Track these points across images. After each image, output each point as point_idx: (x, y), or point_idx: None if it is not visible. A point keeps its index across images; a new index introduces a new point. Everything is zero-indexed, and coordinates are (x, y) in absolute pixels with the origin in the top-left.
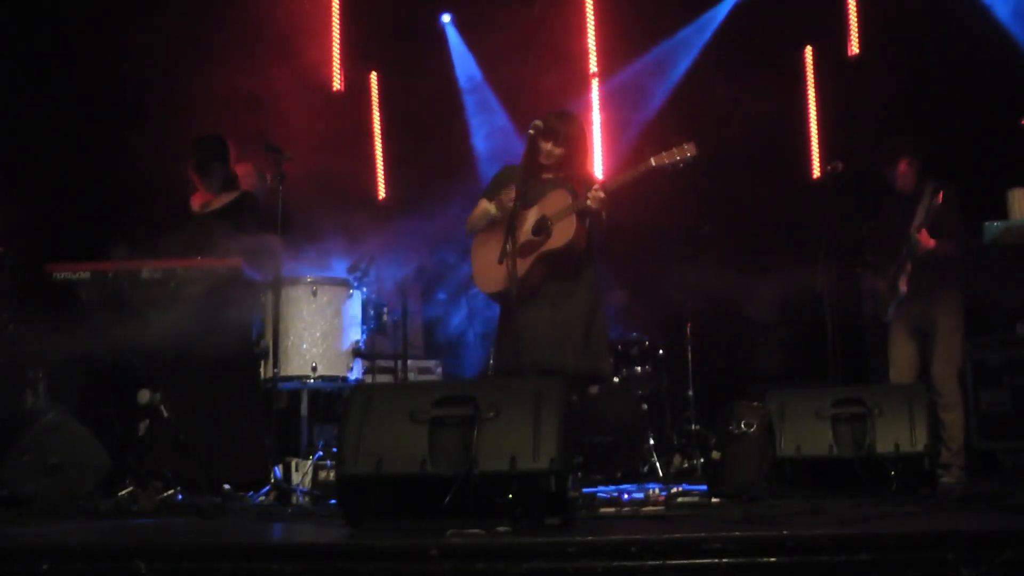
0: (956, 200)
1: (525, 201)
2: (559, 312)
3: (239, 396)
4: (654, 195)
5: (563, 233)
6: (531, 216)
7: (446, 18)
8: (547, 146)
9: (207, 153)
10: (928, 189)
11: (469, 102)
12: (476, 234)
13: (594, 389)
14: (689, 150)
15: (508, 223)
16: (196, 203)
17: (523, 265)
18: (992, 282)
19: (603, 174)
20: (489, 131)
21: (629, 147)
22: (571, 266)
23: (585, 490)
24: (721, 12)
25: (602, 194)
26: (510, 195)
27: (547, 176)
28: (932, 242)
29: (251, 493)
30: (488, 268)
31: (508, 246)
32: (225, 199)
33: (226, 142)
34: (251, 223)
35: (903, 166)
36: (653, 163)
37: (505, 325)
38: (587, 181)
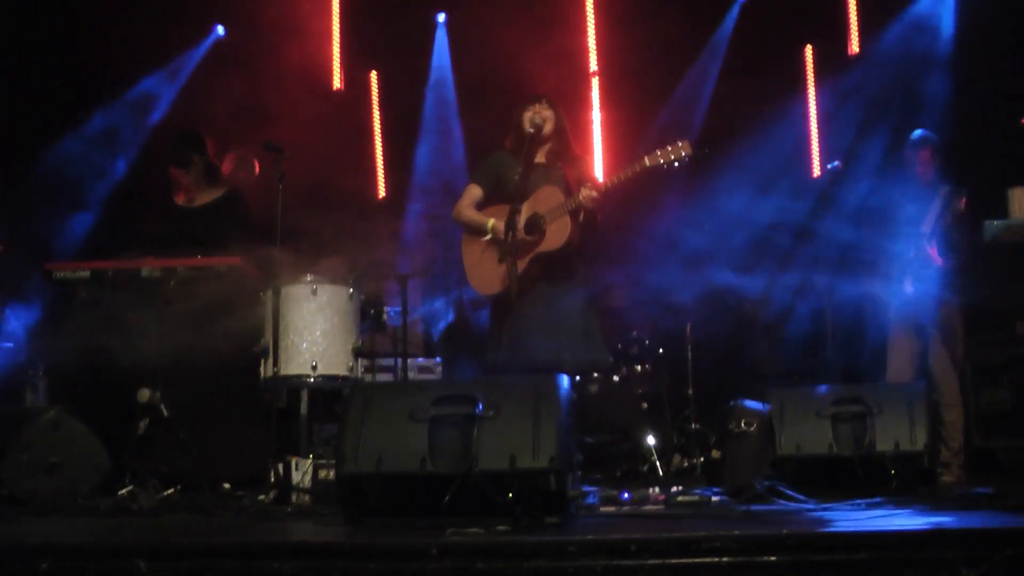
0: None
1: (525, 192)
2: (555, 311)
3: (239, 395)
4: (654, 194)
5: (558, 235)
6: (523, 212)
7: (441, 17)
8: (540, 111)
9: (183, 145)
10: (942, 191)
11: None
12: (464, 231)
13: (594, 388)
14: (684, 149)
15: (508, 222)
16: (180, 199)
17: (519, 265)
18: (992, 281)
19: (602, 173)
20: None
21: (629, 145)
22: (566, 265)
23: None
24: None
25: (595, 194)
26: (500, 227)
27: (539, 160)
28: (939, 260)
29: (251, 492)
30: (483, 269)
31: (509, 243)
32: (211, 195)
33: (200, 134)
34: (236, 224)
35: (927, 154)
36: (647, 162)
37: (501, 324)
38: (576, 161)
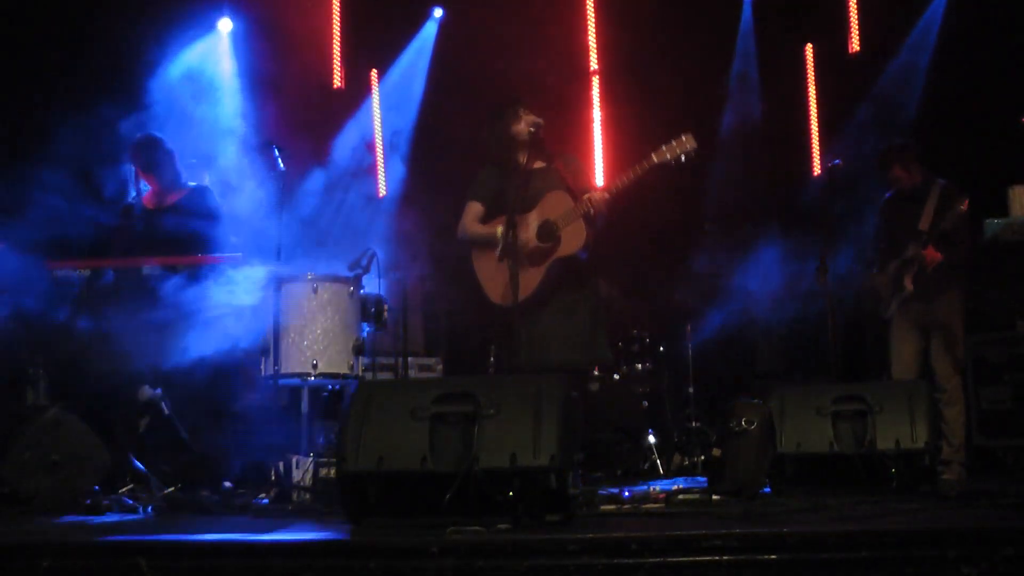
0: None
1: (524, 203)
2: (568, 315)
3: (240, 393)
4: (655, 192)
5: (575, 239)
6: (532, 220)
7: (438, 13)
8: (523, 113)
9: (151, 151)
10: (934, 188)
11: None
12: (473, 247)
13: (594, 386)
14: (688, 142)
15: (507, 223)
16: (151, 203)
17: (536, 273)
18: (993, 279)
19: (604, 172)
20: None
21: (629, 145)
22: (582, 269)
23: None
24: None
25: (607, 195)
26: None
27: (536, 165)
28: (939, 257)
29: (251, 490)
30: (498, 280)
31: (510, 250)
32: (179, 193)
33: (161, 138)
34: (206, 216)
35: (896, 171)
36: (655, 159)
37: (511, 327)
38: (562, 156)
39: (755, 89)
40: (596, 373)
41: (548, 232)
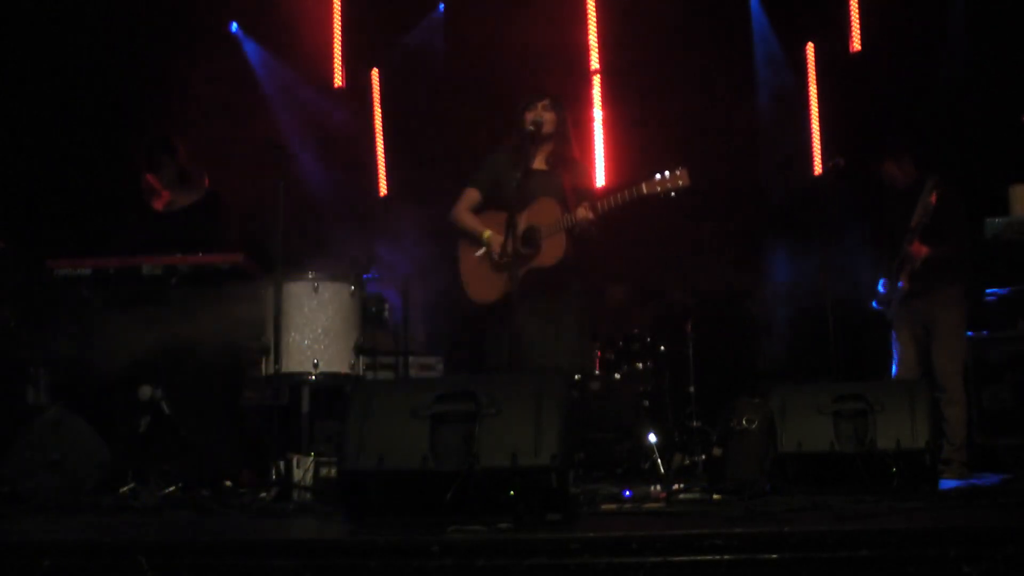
0: (955, 197)
1: (520, 203)
2: (551, 320)
3: (240, 392)
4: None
5: (553, 251)
6: (521, 223)
7: (440, 9)
8: (541, 111)
9: (153, 149)
10: (927, 184)
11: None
12: (461, 237)
13: (595, 385)
14: (682, 178)
15: (507, 223)
16: (159, 206)
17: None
18: (993, 279)
19: (604, 172)
20: None
21: (630, 145)
22: (560, 280)
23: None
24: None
25: (592, 216)
26: (494, 240)
27: (539, 166)
28: (924, 250)
29: (252, 490)
30: (478, 276)
31: (508, 253)
32: (189, 198)
33: (170, 138)
34: (215, 226)
35: (889, 167)
36: (644, 190)
37: (497, 329)
38: (575, 167)
39: (757, 86)
40: (596, 372)
41: (530, 239)
